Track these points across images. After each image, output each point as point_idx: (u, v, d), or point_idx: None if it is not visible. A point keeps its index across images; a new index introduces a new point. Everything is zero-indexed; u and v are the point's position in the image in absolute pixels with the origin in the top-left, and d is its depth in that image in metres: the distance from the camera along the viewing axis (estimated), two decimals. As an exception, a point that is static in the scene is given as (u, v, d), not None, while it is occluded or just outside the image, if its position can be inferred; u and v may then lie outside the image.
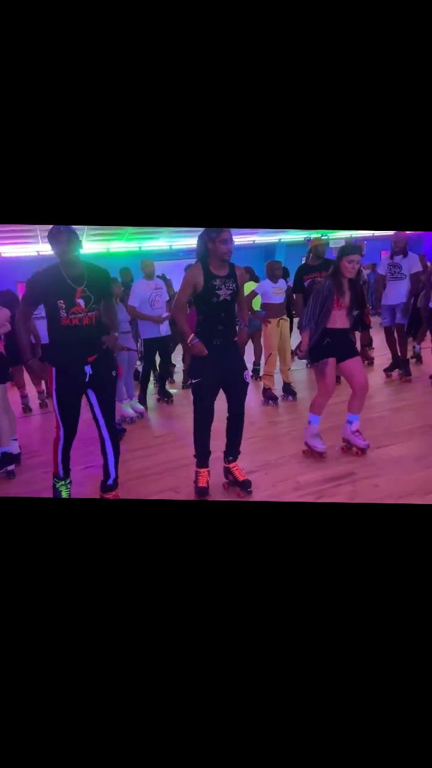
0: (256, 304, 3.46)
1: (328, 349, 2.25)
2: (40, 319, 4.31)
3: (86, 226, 7.07)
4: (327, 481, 2.09)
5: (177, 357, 4.35)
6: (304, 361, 4.43)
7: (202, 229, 1.96)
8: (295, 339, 2.81)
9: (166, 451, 2.65)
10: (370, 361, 3.99)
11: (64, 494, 2.01)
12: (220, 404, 2.06)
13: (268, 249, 9.69)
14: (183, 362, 4.13)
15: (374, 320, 3.50)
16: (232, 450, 2.10)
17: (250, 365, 3.68)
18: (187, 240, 8.61)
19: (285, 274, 3.75)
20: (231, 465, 2.10)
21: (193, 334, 1.99)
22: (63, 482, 2.03)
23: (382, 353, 4.14)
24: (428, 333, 4.10)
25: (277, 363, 3.46)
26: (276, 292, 3.37)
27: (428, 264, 3.88)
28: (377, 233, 9.28)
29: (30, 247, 7.69)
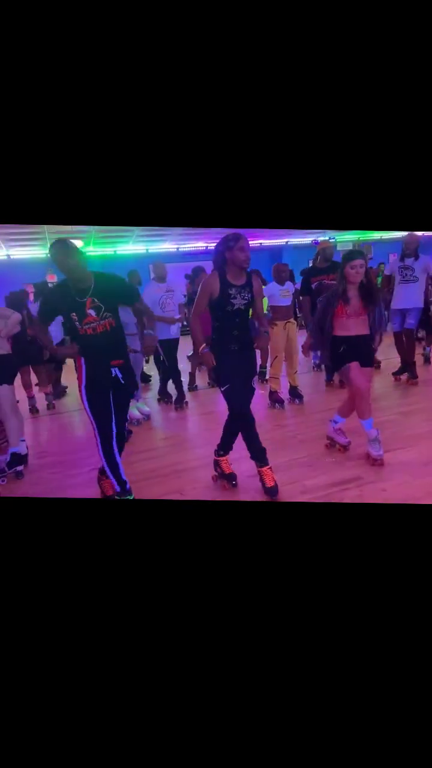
0: (263, 306, 3.47)
1: (347, 355, 2.24)
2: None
3: (94, 230, 7.14)
4: (334, 485, 2.08)
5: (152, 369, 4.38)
6: (311, 364, 4.44)
7: (204, 230, 1.97)
8: (301, 341, 2.81)
9: (171, 453, 2.65)
10: (377, 365, 3.96)
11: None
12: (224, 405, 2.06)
13: (275, 251, 9.70)
14: (189, 363, 4.13)
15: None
16: (226, 446, 2.16)
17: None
18: (193, 243, 8.66)
19: (292, 277, 3.75)
20: (221, 458, 2.17)
21: (204, 344, 2.02)
22: (121, 497, 1.96)
23: (388, 357, 4.12)
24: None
25: (283, 366, 3.45)
26: (283, 294, 3.36)
27: None
28: (385, 236, 9.25)
29: (38, 249, 7.78)
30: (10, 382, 2.54)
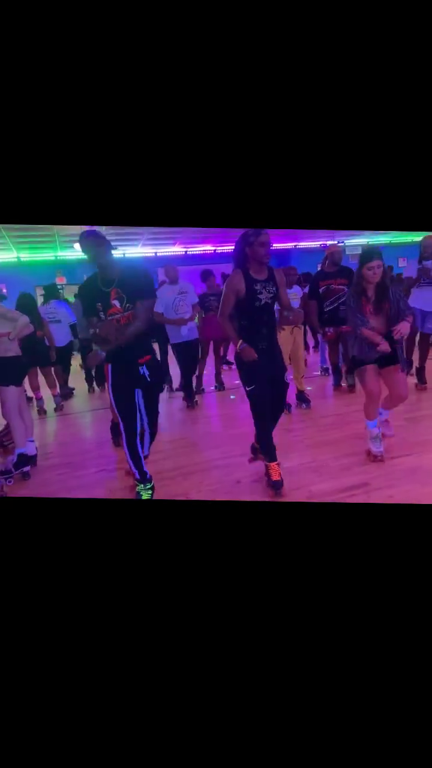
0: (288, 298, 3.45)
1: (367, 355, 2.21)
2: (55, 323, 4.38)
3: (103, 233, 7.20)
4: (340, 491, 2.06)
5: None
6: (317, 368, 4.42)
7: (212, 234, 1.98)
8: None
9: (177, 456, 2.65)
10: (411, 369, 3.91)
11: (144, 497, 2.03)
12: (236, 406, 2.05)
13: (283, 255, 9.68)
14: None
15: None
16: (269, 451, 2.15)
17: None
18: (201, 246, 8.68)
19: (299, 281, 3.74)
20: (271, 464, 2.15)
21: (241, 340, 2.00)
22: (143, 486, 2.03)
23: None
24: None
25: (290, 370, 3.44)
26: (290, 298, 3.36)
27: None
28: (394, 240, 9.19)
29: (48, 252, 7.86)
30: (19, 383, 2.57)
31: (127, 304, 1.88)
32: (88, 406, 4.21)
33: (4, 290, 6.35)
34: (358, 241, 8.83)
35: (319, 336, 4.15)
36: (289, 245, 9.44)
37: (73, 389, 4.51)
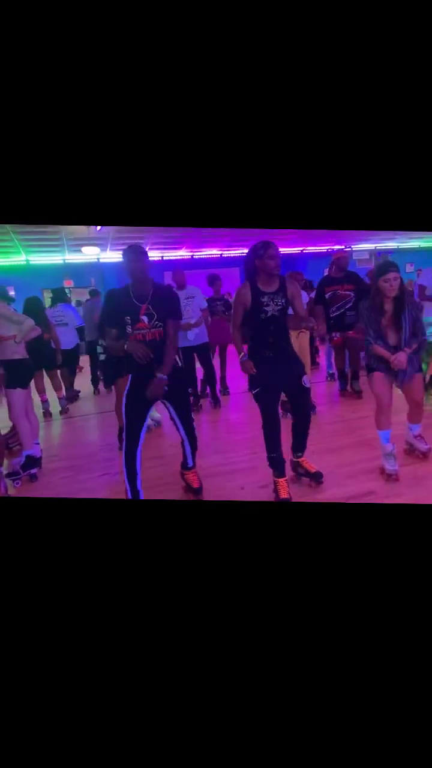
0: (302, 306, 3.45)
1: (379, 363, 2.20)
2: (62, 326, 4.39)
3: (110, 237, 7.25)
4: (345, 500, 2.04)
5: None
6: (325, 373, 4.40)
7: (219, 237, 1.99)
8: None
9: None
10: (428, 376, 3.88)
11: None
12: (240, 412, 2.05)
13: (290, 260, 9.67)
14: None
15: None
16: (300, 447, 2.20)
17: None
18: (207, 249, 8.70)
19: (306, 286, 3.73)
20: (300, 459, 2.22)
21: (243, 353, 2.06)
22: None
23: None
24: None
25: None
26: (297, 303, 3.35)
27: None
28: (402, 245, 9.16)
29: (56, 255, 7.92)
30: (26, 386, 2.58)
31: (156, 322, 1.94)
32: (94, 409, 4.22)
33: (12, 293, 6.40)
34: (365, 246, 8.82)
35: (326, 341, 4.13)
36: (296, 250, 9.45)
37: (79, 392, 4.53)
